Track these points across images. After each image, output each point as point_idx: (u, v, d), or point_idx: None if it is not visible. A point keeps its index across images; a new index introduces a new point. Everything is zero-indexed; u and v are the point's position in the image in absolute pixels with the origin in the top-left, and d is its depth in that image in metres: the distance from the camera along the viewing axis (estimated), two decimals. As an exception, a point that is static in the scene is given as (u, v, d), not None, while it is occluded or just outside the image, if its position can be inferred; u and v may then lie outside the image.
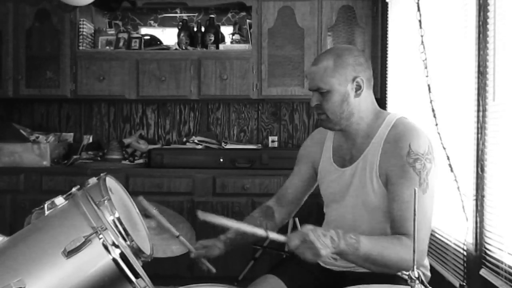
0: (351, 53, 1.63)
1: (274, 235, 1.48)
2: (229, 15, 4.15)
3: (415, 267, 1.13)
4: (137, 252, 1.22)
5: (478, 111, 2.05)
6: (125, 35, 3.90)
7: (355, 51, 1.66)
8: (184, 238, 1.65)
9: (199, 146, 3.82)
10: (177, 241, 1.67)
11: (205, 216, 1.44)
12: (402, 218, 1.51)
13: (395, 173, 1.55)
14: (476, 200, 2.07)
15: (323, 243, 1.39)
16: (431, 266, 2.45)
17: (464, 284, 2.13)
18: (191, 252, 1.66)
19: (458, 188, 2.19)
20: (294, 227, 3.31)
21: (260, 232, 1.49)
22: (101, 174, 1.35)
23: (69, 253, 1.07)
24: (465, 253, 2.18)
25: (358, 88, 1.62)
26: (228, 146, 3.81)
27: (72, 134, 4.18)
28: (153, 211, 1.59)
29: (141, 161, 3.89)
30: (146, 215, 1.75)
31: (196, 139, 3.88)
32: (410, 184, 1.51)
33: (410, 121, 1.65)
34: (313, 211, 2.48)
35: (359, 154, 1.65)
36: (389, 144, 1.58)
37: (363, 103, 1.65)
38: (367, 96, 1.66)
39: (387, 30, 3.52)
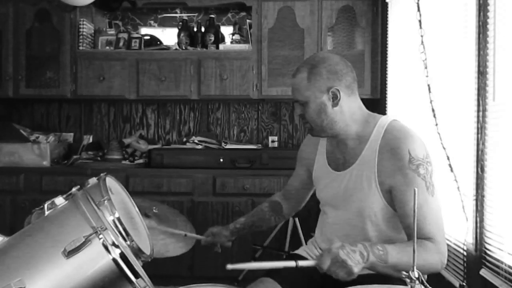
0: (325, 63, 1.61)
1: (304, 263, 1.47)
2: (229, 15, 4.15)
3: (414, 267, 1.13)
4: (137, 252, 1.22)
5: (478, 111, 2.05)
6: (125, 35, 3.90)
7: (330, 60, 1.63)
8: (188, 233, 1.83)
9: (199, 146, 3.82)
10: (175, 240, 1.69)
11: (234, 266, 1.42)
12: (419, 225, 1.49)
13: (400, 182, 1.53)
14: (476, 200, 2.07)
15: (354, 260, 1.38)
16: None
17: (464, 284, 2.13)
18: (201, 240, 1.87)
19: (458, 188, 2.19)
20: (294, 228, 3.31)
21: (291, 264, 1.46)
22: (101, 174, 1.35)
23: (69, 253, 1.07)
24: (465, 253, 2.18)
25: (335, 97, 1.61)
26: (228, 146, 3.81)
27: (72, 134, 4.18)
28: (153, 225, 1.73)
29: (141, 161, 3.89)
30: (146, 214, 1.76)
31: (196, 139, 3.88)
32: (418, 190, 1.49)
33: (402, 124, 1.63)
34: (312, 211, 2.48)
35: (353, 159, 1.65)
36: (387, 152, 1.56)
37: (346, 110, 1.63)
38: (352, 102, 1.65)
39: (387, 30, 3.51)
